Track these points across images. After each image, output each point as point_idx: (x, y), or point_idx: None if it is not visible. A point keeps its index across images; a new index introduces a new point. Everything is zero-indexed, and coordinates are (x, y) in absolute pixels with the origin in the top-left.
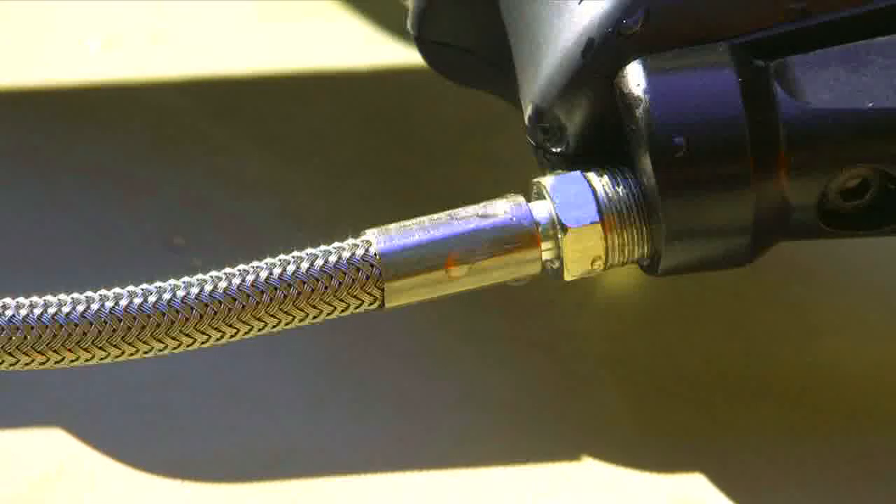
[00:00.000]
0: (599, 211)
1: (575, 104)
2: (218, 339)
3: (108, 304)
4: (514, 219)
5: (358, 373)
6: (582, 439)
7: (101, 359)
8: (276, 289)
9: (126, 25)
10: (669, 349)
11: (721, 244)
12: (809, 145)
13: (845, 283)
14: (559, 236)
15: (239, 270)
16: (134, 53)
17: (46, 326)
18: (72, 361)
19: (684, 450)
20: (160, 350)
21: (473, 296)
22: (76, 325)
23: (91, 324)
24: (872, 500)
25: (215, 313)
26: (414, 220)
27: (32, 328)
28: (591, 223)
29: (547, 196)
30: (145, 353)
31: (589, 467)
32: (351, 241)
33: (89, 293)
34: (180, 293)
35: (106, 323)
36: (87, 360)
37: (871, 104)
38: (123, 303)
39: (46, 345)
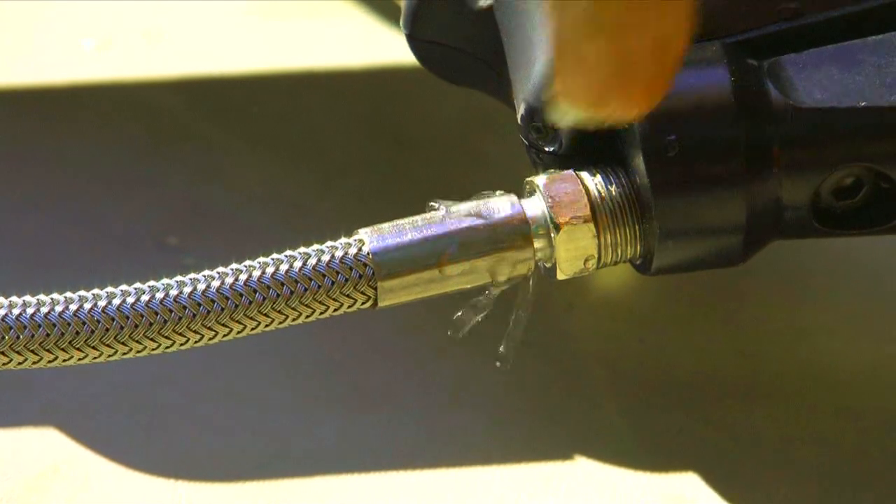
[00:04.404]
0: (592, 210)
1: None
2: (211, 339)
3: (101, 304)
4: (507, 218)
5: (351, 373)
6: (575, 438)
7: (95, 358)
8: (268, 288)
9: (121, 25)
10: (662, 348)
11: (714, 243)
12: (802, 144)
13: (838, 282)
14: (552, 235)
15: (232, 269)
16: (129, 53)
17: (39, 326)
18: (65, 361)
19: (677, 449)
20: (153, 349)
21: (466, 295)
22: (69, 324)
23: (84, 323)
24: (865, 499)
25: (208, 312)
26: (407, 219)
27: (25, 327)
28: (584, 222)
29: (540, 195)
30: (138, 352)
31: (582, 466)
32: (344, 240)
33: (82, 292)
34: (173, 292)
35: (99, 322)
36: (80, 360)
37: (863, 103)
38: (116, 302)
39: (39, 344)
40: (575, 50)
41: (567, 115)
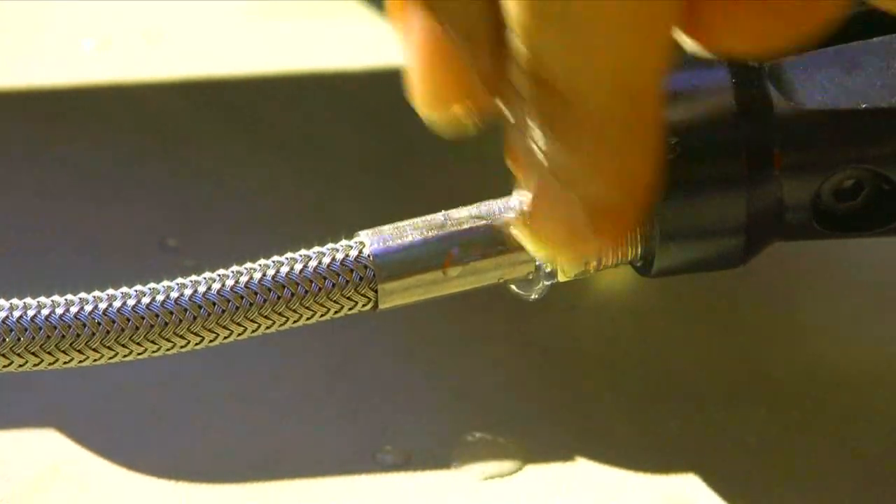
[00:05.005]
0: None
1: None
2: (212, 341)
3: (102, 306)
4: (508, 219)
5: (352, 373)
6: (576, 439)
7: (95, 360)
8: (269, 290)
9: (121, 25)
10: (662, 350)
11: (715, 245)
12: (803, 146)
13: (838, 283)
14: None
15: (232, 272)
16: (129, 53)
17: (40, 328)
18: (66, 363)
19: (678, 449)
20: (154, 351)
21: (467, 296)
22: (69, 326)
23: (85, 325)
24: (865, 500)
25: (209, 315)
26: (408, 221)
27: (26, 329)
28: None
29: None
30: (139, 354)
31: (582, 466)
32: (344, 242)
33: (83, 294)
34: (174, 294)
35: (100, 324)
36: (81, 362)
37: (865, 105)
38: (117, 304)
39: (40, 346)
40: (537, 195)
41: (533, 251)
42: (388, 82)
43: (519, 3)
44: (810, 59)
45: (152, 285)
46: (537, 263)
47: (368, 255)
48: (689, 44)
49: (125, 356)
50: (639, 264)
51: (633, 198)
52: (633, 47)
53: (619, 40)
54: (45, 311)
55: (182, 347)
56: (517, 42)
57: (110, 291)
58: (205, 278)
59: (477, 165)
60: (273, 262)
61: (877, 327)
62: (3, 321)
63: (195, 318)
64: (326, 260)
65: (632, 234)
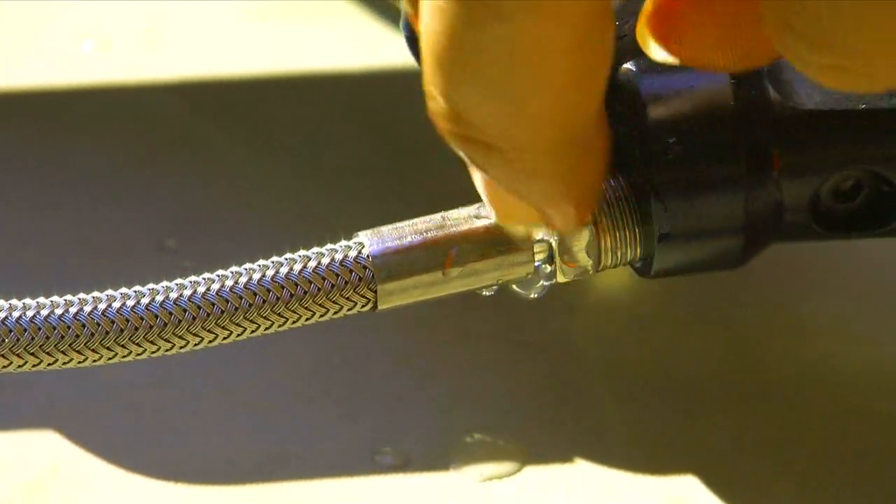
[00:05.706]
0: (592, 213)
1: None
2: (210, 342)
3: (101, 307)
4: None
5: (350, 374)
6: (575, 441)
7: (95, 361)
8: (268, 291)
9: (121, 26)
10: (661, 350)
11: (714, 246)
12: (802, 146)
13: (837, 284)
14: (552, 238)
15: (231, 273)
16: (128, 55)
17: (39, 328)
18: (65, 363)
19: (677, 451)
20: (153, 352)
21: (466, 297)
22: (69, 327)
23: (84, 326)
24: (864, 501)
25: (208, 315)
26: (406, 222)
27: (25, 330)
28: (584, 225)
29: None
30: (138, 355)
31: (582, 468)
32: (343, 243)
33: (82, 295)
34: (173, 295)
35: (99, 325)
36: (80, 363)
37: (864, 105)
38: (116, 305)
39: (39, 347)
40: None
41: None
42: (386, 83)
43: (428, 61)
44: None
45: (151, 286)
46: (536, 264)
47: (368, 256)
48: (659, 54)
49: (125, 356)
50: (638, 265)
51: (586, 202)
52: (562, 92)
53: (547, 89)
54: (44, 312)
55: (182, 348)
56: (438, 100)
57: (110, 292)
58: (204, 279)
59: None
60: (272, 262)
61: (877, 327)
62: (3, 321)
63: (195, 318)
64: (326, 260)
65: (631, 236)
